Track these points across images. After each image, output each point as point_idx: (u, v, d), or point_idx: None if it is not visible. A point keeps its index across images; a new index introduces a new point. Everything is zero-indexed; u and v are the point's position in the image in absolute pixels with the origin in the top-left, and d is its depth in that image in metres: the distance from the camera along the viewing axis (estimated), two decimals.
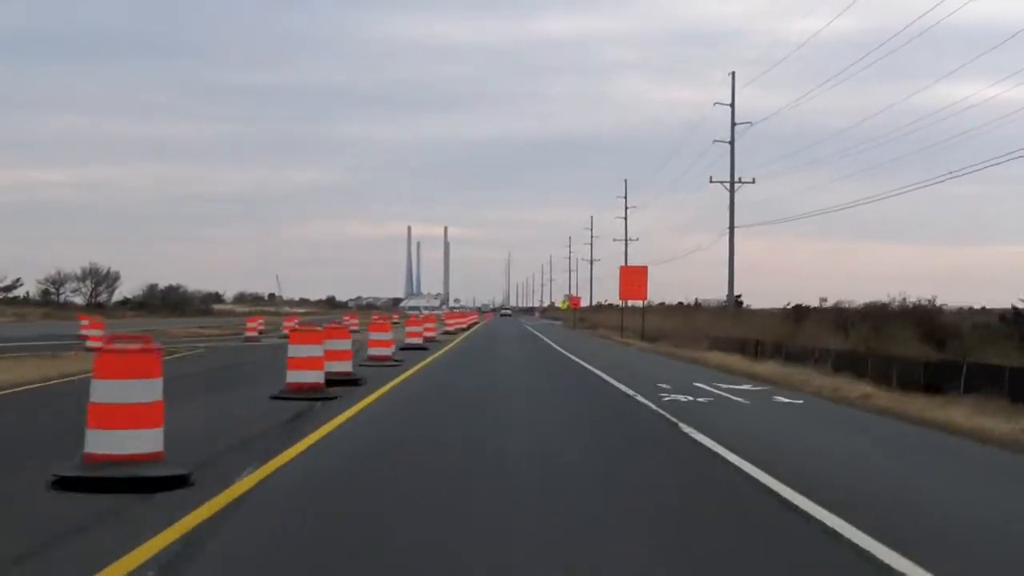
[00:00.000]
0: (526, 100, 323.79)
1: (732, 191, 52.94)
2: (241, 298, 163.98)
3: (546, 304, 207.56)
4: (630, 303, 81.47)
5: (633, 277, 56.87)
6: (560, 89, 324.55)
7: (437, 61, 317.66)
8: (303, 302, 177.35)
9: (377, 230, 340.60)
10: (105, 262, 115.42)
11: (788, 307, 49.05)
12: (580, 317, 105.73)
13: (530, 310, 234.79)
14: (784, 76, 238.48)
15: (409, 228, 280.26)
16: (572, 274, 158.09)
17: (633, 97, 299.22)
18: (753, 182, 53.32)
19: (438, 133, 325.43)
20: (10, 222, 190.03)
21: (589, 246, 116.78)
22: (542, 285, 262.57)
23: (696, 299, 71.00)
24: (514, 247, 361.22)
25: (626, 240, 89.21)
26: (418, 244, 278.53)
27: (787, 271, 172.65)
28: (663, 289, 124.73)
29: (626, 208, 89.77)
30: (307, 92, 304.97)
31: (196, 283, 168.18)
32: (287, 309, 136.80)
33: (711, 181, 53.31)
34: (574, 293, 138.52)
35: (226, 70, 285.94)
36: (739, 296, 56.34)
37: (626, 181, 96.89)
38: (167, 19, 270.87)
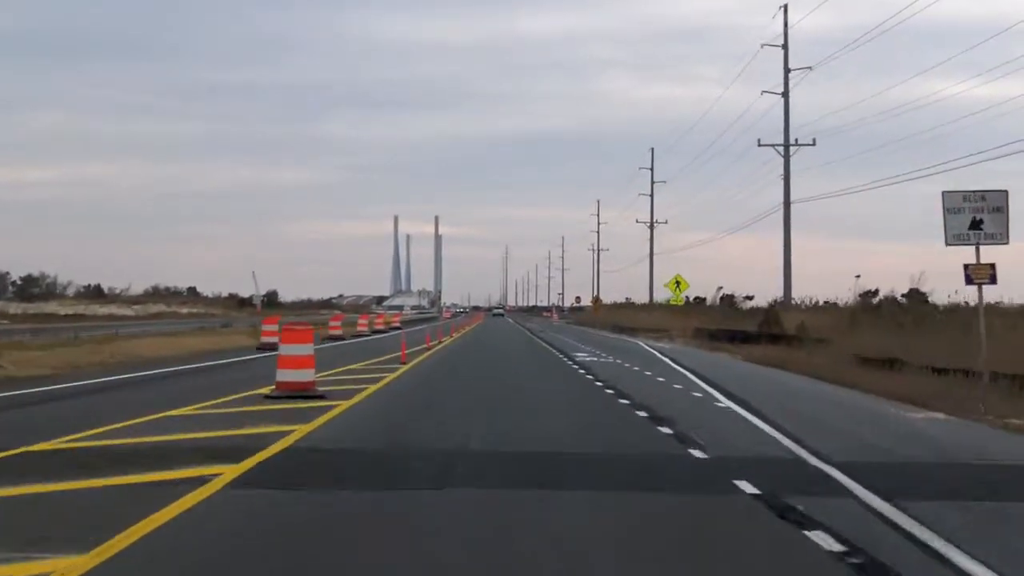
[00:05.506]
0: (513, 98, 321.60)
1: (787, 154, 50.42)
2: (155, 292, 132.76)
3: (557, 302, 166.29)
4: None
5: None
6: (548, 87, 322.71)
7: (424, 60, 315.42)
8: (231, 298, 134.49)
9: (366, 228, 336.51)
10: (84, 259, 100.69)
11: None
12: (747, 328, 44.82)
13: (533, 309, 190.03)
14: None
15: (396, 218, 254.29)
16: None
17: (621, 94, 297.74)
18: (814, 144, 50.24)
19: (428, 132, 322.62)
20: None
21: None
22: (549, 279, 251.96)
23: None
24: (508, 246, 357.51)
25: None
26: (407, 237, 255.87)
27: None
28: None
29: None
30: (293, 91, 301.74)
31: (184, 282, 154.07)
32: (176, 309, 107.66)
33: (759, 144, 50.74)
34: (582, 291, 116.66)
35: (210, 70, 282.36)
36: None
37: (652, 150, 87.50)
38: (150, 20, 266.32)
